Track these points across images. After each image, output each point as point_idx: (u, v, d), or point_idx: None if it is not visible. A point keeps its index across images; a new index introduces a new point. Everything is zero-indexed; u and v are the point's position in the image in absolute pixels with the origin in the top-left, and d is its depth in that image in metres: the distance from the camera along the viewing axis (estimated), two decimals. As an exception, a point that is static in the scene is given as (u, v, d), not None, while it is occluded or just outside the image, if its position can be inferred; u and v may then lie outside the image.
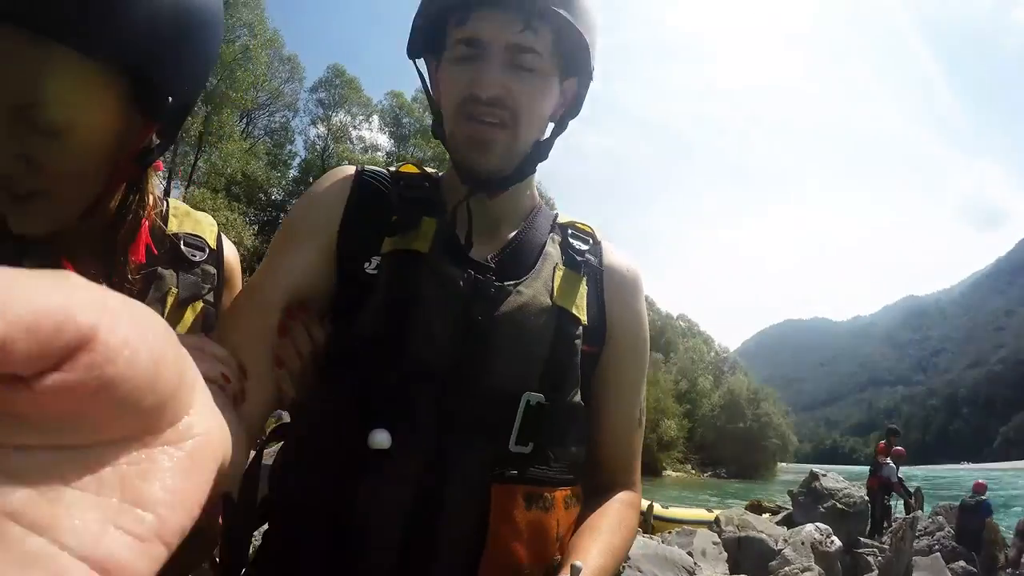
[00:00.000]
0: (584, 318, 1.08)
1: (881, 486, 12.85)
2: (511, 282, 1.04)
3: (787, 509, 13.48)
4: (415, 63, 1.11)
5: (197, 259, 1.18)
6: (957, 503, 12.44)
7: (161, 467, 0.30)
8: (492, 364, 0.99)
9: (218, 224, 1.32)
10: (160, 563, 0.29)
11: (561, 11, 0.99)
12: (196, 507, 0.31)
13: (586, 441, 1.09)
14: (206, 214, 1.28)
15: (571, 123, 1.14)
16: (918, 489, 14.12)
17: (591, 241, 1.19)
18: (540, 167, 1.13)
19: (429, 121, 1.16)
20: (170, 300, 1.13)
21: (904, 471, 15.26)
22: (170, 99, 0.98)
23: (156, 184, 1.16)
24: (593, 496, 1.13)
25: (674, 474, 55.65)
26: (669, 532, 10.10)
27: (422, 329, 0.98)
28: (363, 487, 0.93)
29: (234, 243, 1.35)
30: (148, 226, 1.15)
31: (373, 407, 0.95)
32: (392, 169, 1.15)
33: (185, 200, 1.19)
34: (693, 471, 63.39)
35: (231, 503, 0.90)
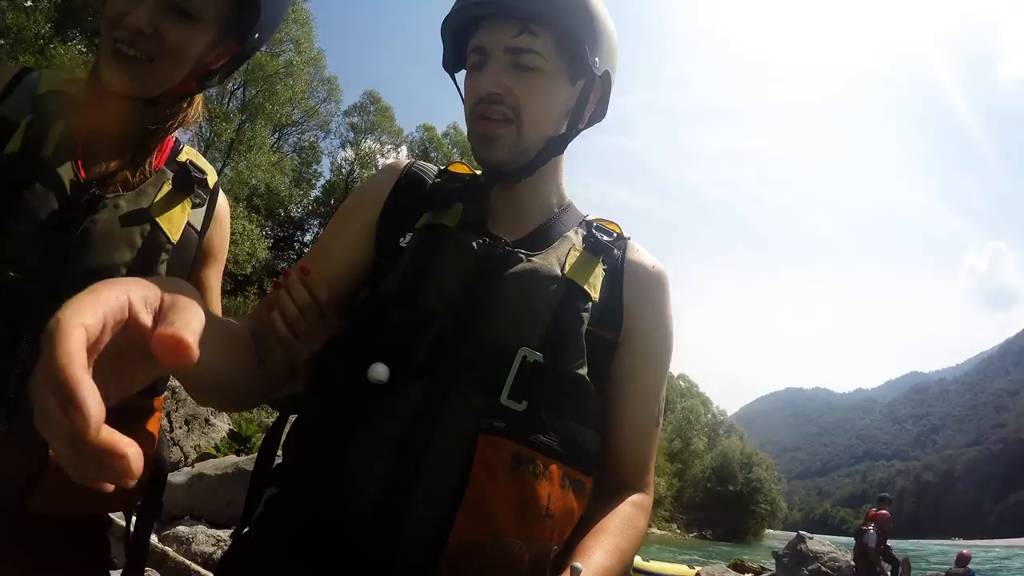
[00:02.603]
0: (595, 296, 1.11)
1: (862, 553, 12.75)
2: (524, 252, 1.11)
3: (770, 571, 13.31)
4: (452, 77, 1.22)
5: (198, 177, 1.34)
6: (943, 574, 12.34)
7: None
8: (493, 317, 1.03)
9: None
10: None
11: (554, 16, 1.07)
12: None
13: (595, 426, 1.08)
14: (212, 167, 1.44)
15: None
16: (907, 558, 13.88)
17: (615, 235, 1.23)
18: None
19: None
20: (165, 188, 1.28)
21: (896, 545, 15.04)
22: (256, 35, 1.26)
23: (200, 110, 1.40)
24: (604, 496, 1.13)
25: (659, 532, 54.87)
26: (648, 584, 10.02)
27: (433, 282, 1.05)
28: (358, 418, 0.98)
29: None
30: (171, 144, 1.36)
31: (377, 344, 1.01)
32: (442, 168, 1.26)
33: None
34: (678, 531, 62.72)
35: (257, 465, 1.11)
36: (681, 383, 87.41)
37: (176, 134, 1.37)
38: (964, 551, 12.65)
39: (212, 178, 1.40)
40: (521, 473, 0.96)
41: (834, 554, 11.49)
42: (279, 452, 1.13)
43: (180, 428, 8.63)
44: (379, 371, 0.97)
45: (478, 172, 1.24)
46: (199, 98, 1.37)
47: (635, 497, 1.15)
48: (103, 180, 1.23)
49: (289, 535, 0.98)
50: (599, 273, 1.14)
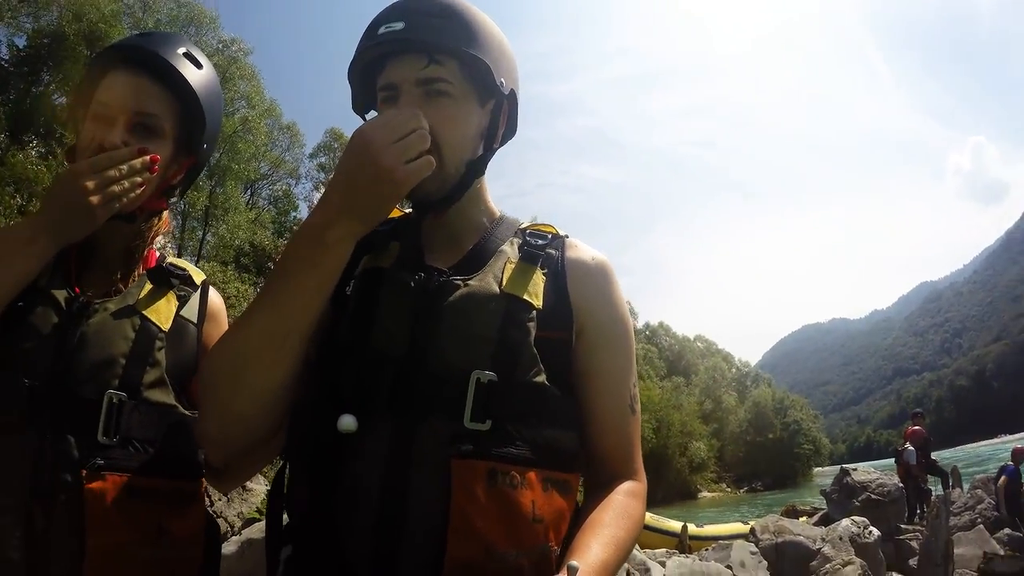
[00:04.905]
0: (538, 303, 1.13)
1: (906, 471, 12.74)
2: (460, 278, 1.13)
3: (823, 509, 13.33)
4: (363, 119, 1.24)
5: (177, 273, 1.48)
6: (995, 474, 12.34)
7: None
8: (441, 347, 1.06)
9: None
10: None
11: (457, 44, 1.12)
12: None
13: (567, 425, 1.11)
14: (198, 269, 1.55)
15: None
16: (954, 468, 13.87)
17: (550, 237, 1.25)
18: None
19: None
20: (147, 287, 1.42)
21: (943, 454, 14.97)
22: (205, 146, 1.44)
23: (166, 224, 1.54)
24: (595, 490, 1.16)
25: (709, 495, 54.75)
26: (706, 549, 10.03)
27: (380, 327, 1.09)
28: (339, 470, 1.02)
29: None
30: (155, 256, 1.50)
31: (341, 395, 1.04)
32: None
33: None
34: (728, 489, 62.46)
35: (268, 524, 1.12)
36: (699, 344, 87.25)
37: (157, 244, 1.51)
38: (1019, 446, 12.66)
39: (198, 277, 1.52)
40: (500, 488, 1.00)
41: (880, 480, 11.47)
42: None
43: (220, 500, 8.69)
44: (347, 422, 1.01)
45: (408, 211, 1.29)
46: (166, 212, 1.52)
47: (625, 486, 1.17)
48: (99, 294, 1.36)
49: None
50: (539, 280, 1.17)
